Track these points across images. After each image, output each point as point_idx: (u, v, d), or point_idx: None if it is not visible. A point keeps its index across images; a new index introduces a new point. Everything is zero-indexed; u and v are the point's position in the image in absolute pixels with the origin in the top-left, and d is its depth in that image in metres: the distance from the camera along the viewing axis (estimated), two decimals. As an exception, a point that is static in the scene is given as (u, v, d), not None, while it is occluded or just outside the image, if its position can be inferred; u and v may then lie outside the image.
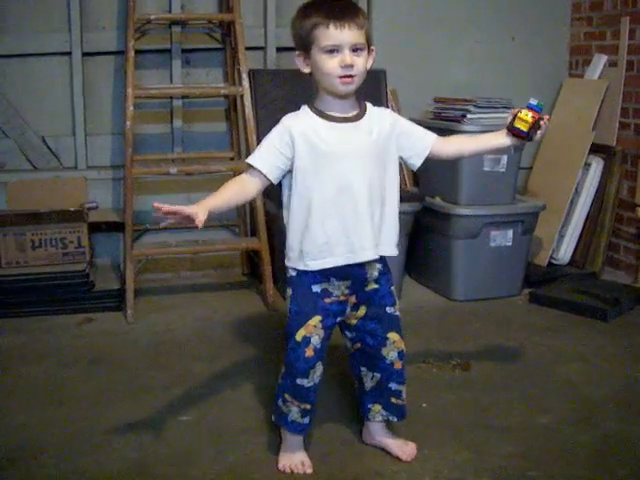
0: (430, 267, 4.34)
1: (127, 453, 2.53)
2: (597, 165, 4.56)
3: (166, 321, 3.80)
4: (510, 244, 4.13)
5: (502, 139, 2.45)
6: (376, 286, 2.43)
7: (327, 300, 2.37)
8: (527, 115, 2.36)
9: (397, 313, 2.48)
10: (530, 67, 4.94)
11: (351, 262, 2.33)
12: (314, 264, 2.33)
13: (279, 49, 4.54)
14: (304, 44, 2.25)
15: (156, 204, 2.17)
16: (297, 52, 2.30)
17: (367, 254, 2.34)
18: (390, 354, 2.45)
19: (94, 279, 3.98)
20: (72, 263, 3.99)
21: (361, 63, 2.24)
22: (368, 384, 2.52)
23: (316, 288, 2.36)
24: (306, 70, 2.30)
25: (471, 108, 4.07)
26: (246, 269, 4.59)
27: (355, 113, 2.34)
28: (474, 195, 4.06)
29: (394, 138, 2.39)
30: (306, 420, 2.46)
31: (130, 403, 2.89)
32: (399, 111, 4.56)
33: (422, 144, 2.44)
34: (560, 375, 3.18)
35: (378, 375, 2.49)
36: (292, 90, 4.21)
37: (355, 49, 2.22)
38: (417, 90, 4.66)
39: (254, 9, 4.51)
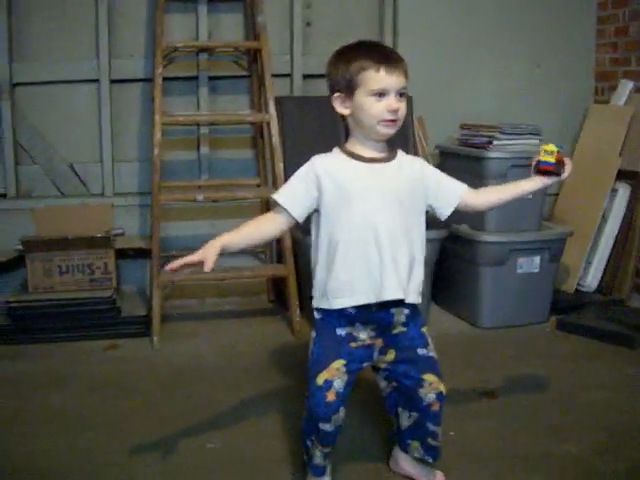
0: (456, 294, 4.32)
1: (152, 479, 2.53)
2: (624, 191, 4.54)
3: (192, 348, 3.80)
4: (537, 271, 4.11)
5: (533, 182, 2.45)
6: (404, 329, 2.38)
7: (353, 345, 2.33)
8: (551, 147, 2.36)
9: (431, 354, 2.41)
10: (555, 94, 4.94)
11: (373, 301, 2.28)
12: (336, 302, 2.29)
13: (305, 76, 4.56)
14: (347, 86, 2.23)
15: (167, 268, 2.29)
16: (336, 94, 2.27)
17: (391, 293, 2.28)
18: (428, 396, 2.38)
19: (120, 305, 4.00)
20: (99, 289, 4.01)
21: (404, 108, 2.25)
22: (405, 422, 2.47)
23: (340, 331, 2.32)
24: (345, 112, 2.28)
25: (497, 135, 4.07)
26: (272, 296, 4.59)
27: (386, 156, 2.32)
28: (501, 222, 4.04)
29: (423, 186, 2.36)
30: (327, 462, 2.43)
31: (155, 430, 2.89)
32: (426, 138, 4.57)
33: (452, 194, 2.41)
34: (586, 404, 3.15)
35: (415, 415, 2.43)
36: (319, 117, 4.22)
37: (400, 94, 2.23)
38: (443, 117, 4.67)
39: (280, 36, 4.54)
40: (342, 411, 2.33)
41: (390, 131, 2.25)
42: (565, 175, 2.42)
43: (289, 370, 3.51)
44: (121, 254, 4.22)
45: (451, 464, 2.61)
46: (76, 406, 3.11)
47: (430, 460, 2.49)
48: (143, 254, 4.25)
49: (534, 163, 2.41)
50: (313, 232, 2.36)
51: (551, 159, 2.36)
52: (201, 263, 2.25)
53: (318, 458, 2.40)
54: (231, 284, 4.53)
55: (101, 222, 4.27)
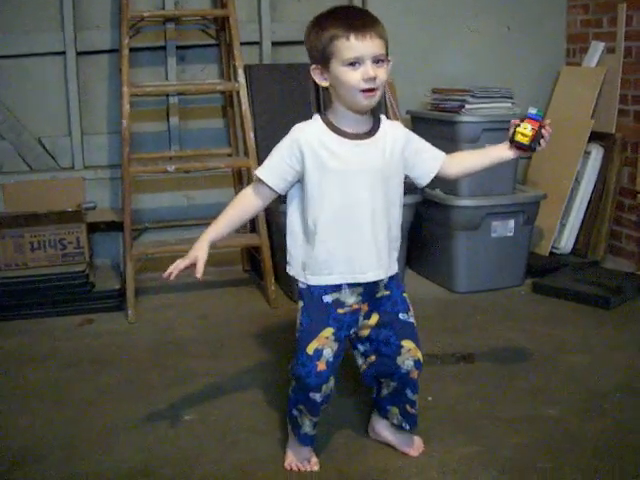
0: (431, 259, 4.32)
1: (131, 454, 2.51)
2: (597, 153, 4.54)
3: (167, 320, 3.78)
4: (512, 234, 4.11)
5: (506, 152, 2.41)
6: (387, 292, 2.39)
7: (340, 311, 2.32)
8: (526, 128, 2.34)
9: (411, 320, 2.42)
10: (527, 56, 4.93)
11: (351, 281, 2.29)
12: (313, 279, 2.30)
13: (274, 44, 4.52)
14: (322, 57, 2.17)
15: (164, 276, 2.27)
16: (313, 65, 2.21)
17: (368, 276, 2.29)
18: (406, 363, 2.37)
19: (94, 279, 3.97)
20: (72, 264, 3.97)
21: (383, 75, 2.16)
22: (384, 391, 2.47)
23: (327, 299, 2.31)
24: (324, 84, 2.22)
25: (469, 98, 4.05)
26: (247, 266, 4.58)
27: (368, 129, 2.27)
28: (474, 186, 4.03)
29: (404, 157, 2.33)
30: (315, 431, 2.43)
31: (133, 403, 2.88)
32: (397, 103, 4.55)
33: (431, 163, 2.39)
34: (565, 365, 3.16)
35: (394, 384, 2.43)
36: (288, 85, 4.21)
37: (377, 60, 2.15)
38: (414, 81, 4.65)
39: (248, 4, 4.48)
40: (332, 380, 2.33)
41: (371, 102, 2.18)
42: (541, 148, 2.37)
43: (265, 340, 3.50)
44: (93, 228, 4.19)
45: (430, 429, 2.62)
46: (52, 382, 3.09)
47: (407, 427, 2.50)
48: (115, 227, 4.21)
49: (510, 134, 2.38)
50: (292, 204, 2.33)
51: (525, 140, 2.34)
52: (193, 266, 2.25)
53: (308, 427, 2.40)
54: (205, 255, 4.51)
55: (72, 196, 4.23)
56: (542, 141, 2.36)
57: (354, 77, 2.13)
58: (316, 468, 2.41)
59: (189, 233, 4.38)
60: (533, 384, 2.99)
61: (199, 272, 2.25)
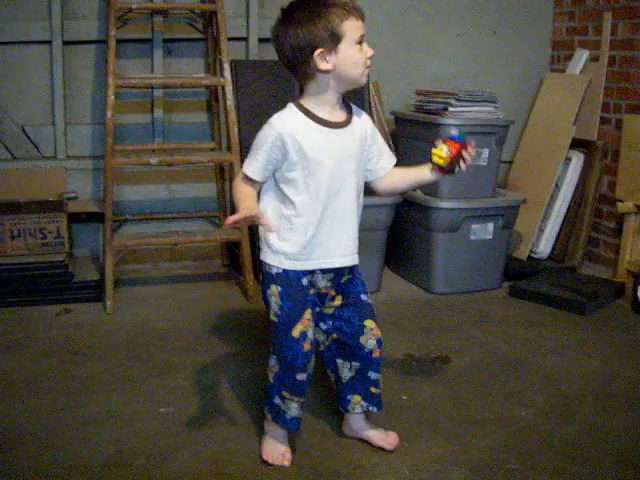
0: (410, 260, 4.34)
1: (106, 445, 2.51)
2: (578, 160, 4.58)
3: (145, 312, 3.78)
4: (490, 237, 4.14)
5: (426, 174, 2.43)
6: (349, 276, 2.45)
7: (311, 292, 2.40)
8: (442, 150, 2.33)
9: (370, 301, 2.50)
10: (511, 61, 4.97)
11: (324, 267, 2.36)
12: (287, 264, 2.34)
13: (261, 40, 4.51)
14: (332, 38, 2.19)
15: (227, 222, 2.11)
16: (317, 51, 2.20)
17: (342, 261, 2.40)
18: (369, 342, 2.45)
19: (73, 270, 3.96)
20: (51, 253, 3.96)
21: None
22: (346, 375, 2.51)
23: (305, 281, 2.37)
24: (328, 67, 2.22)
25: (452, 101, 4.06)
26: (226, 260, 4.58)
27: (344, 118, 2.33)
28: (455, 188, 4.05)
29: (368, 150, 2.40)
30: (302, 413, 2.47)
31: (109, 395, 2.88)
32: (381, 103, 4.57)
33: (385, 164, 2.47)
34: (539, 368, 3.19)
35: (357, 364, 2.48)
36: (274, 81, 4.22)
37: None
38: (399, 83, 4.68)
39: (236, -1, 4.50)
40: (313, 358, 2.40)
41: (365, 78, 2.29)
42: (461, 171, 2.38)
43: (242, 334, 3.51)
44: (74, 218, 4.18)
45: (404, 428, 2.64)
46: (29, 371, 3.08)
47: (375, 410, 2.55)
48: (96, 218, 4.21)
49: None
50: (268, 191, 2.36)
51: (441, 163, 2.34)
52: (256, 216, 2.18)
53: (295, 410, 2.43)
54: (185, 248, 4.53)
55: (53, 185, 4.23)
56: (462, 163, 2.35)
57: (362, 55, 2.24)
58: (287, 463, 2.41)
59: (170, 226, 4.39)
60: (507, 386, 3.01)
61: (269, 226, 2.24)
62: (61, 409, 2.76)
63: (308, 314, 2.36)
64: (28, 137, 4.36)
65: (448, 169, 2.35)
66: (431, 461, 2.45)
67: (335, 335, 2.48)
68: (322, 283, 2.40)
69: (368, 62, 2.25)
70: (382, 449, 2.51)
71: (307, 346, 2.35)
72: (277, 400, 2.42)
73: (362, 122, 2.39)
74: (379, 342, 2.47)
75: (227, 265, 4.58)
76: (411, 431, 2.63)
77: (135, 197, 4.46)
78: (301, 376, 2.37)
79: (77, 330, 3.54)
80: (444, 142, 2.34)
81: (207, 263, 4.60)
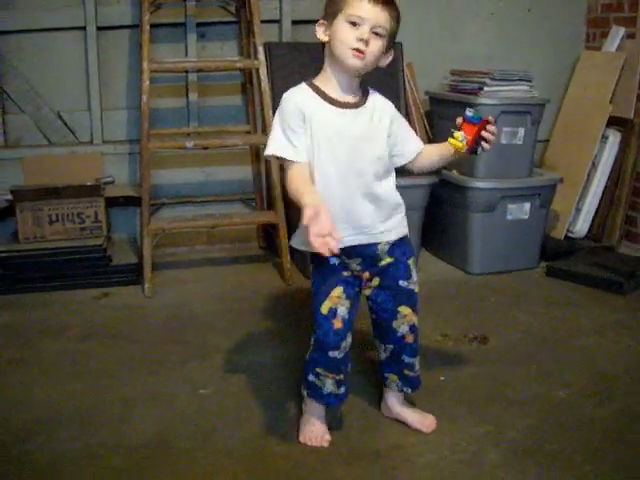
0: (447, 240, 4.33)
1: (146, 427, 2.54)
2: (614, 138, 4.54)
3: (183, 295, 3.81)
4: (527, 217, 4.12)
5: (452, 152, 2.38)
6: (390, 260, 2.42)
7: (345, 273, 2.38)
8: (458, 138, 2.28)
9: (412, 287, 2.45)
10: (546, 39, 4.92)
11: (348, 245, 2.31)
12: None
13: (294, 22, 4.51)
14: (332, 10, 2.20)
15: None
16: (321, 20, 2.25)
17: (375, 237, 2.36)
18: (402, 327, 2.45)
19: (111, 253, 3.99)
20: (89, 238, 4.00)
21: (376, 47, 2.19)
22: (382, 355, 2.54)
23: (334, 260, 2.36)
24: (325, 39, 2.25)
25: (487, 81, 4.05)
26: (262, 243, 4.60)
27: (357, 99, 2.31)
28: (491, 168, 4.04)
29: (392, 130, 2.36)
30: (342, 390, 2.47)
31: (148, 377, 2.91)
32: (415, 84, 4.55)
33: (413, 148, 2.42)
34: (577, 349, 3.18)
35: (391, 347, 2.50)
36: (308, 63, 4.20)
37: (376, 32, 2.17)
38: (433, 63, 4.65)
39: (269, -19, 4.49)
40: (349, 337, 2.40)
41: (357, 63, 2.19)
42: (483, 150, 2.33)
43: (279, 315, 3.53)
44: (111, 202, 4.21)
45: (442, 408, 2.64)
46: (70, 355, 3.11)
47: (409, 391, 2.57)
48: (133, 202, 4.24)
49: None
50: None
51: (460, 147, 2.29)
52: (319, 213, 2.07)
53: (331, 386, 2.43)
54: (221, 231, 4.54)
55: (90, 170, 4.26)
56: (484, 144, 2.31)
57: (350, 34, 2.16)
58: (326, 444, 2.43)
59: (206, 209, 4.40)
60: (545, 366, 3.01)
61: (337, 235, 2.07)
62: (101, 391, 2.79)
63: (338, 292, 2.35)
64: (65, 123, 4.40)
65: (470, 152, 2.32)
66: (469, 441, 2.45)
67: (374, 316, 2.50)
68: (353, 265, 2.39)
69: (356, 45, 2.16)
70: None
71: (338, 324, 2.34)
72: (312, 377, 2.44)
73: (383, 107, 2.35)
74: (411, 328, 2.46)
75: (263, 247, 4.59)
76: (449, 412, 2.64)
77: (171, 181, 4.48)
78: (333, 353, 2.36)
79: (116, 313, 3.57)
80: (460, 127, 2.30)
81: (244, 245, 4.61)
